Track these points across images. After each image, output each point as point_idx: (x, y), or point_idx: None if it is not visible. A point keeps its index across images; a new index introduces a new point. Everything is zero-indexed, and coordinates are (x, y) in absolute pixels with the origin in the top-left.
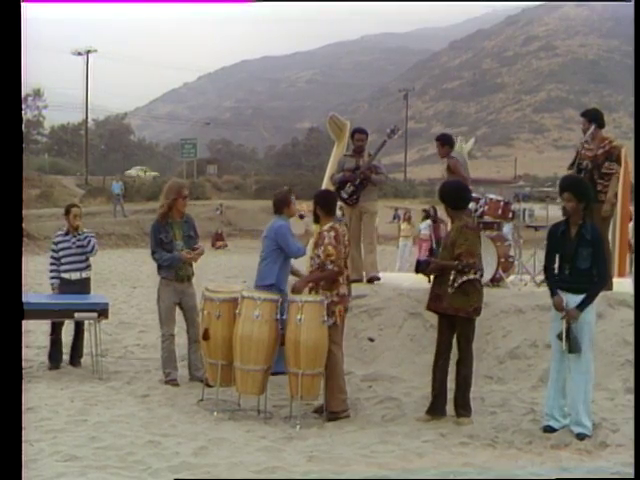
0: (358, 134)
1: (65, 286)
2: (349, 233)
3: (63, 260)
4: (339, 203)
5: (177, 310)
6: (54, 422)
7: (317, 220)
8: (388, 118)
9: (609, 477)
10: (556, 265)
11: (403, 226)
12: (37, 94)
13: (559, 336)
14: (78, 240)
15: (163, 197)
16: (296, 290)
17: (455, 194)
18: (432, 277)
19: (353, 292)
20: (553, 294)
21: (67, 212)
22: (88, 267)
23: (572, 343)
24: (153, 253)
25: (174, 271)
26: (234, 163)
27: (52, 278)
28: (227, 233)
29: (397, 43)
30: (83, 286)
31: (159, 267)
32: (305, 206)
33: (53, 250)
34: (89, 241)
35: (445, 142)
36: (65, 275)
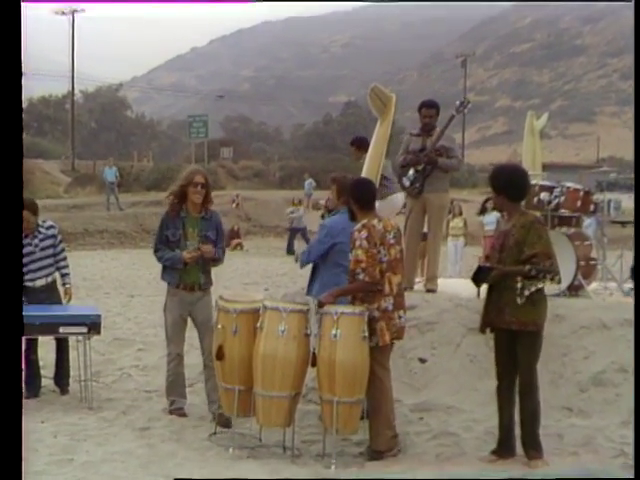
0: (426, 109)
1: (28, 296)
2: (407, 229)
3: (26, 268)
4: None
5: (190, 324)
6: (32, 463)
7: (353, 217)
8: (442, 90)
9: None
10: None
11: (452, 222)
12: None
13: None
14: (41, 240)
15: (174, 184)
16: (321, 304)
17: (514, 181)
18: (483, 289)
19: None
20: None
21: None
22: (55, 270)
23: None
24: (155, 251)
25: (177, 276)
26: (254, 145)
27: None
28: (245, 230)
29: None
30: (51, 292)
31: (163, 270)
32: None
33: None
34: (57, 240)
35: (361, 146)
36: (29, 284)
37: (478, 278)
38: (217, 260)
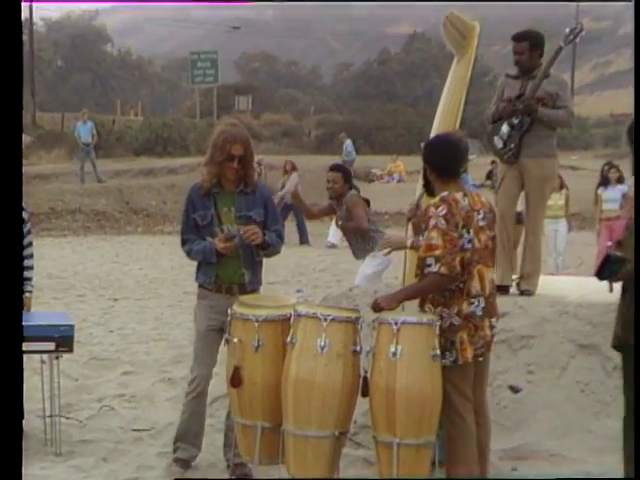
0: (515, 43)
1: None
2: (499, 209)
3: None
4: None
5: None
6: None
7: (429, 189)
8: (545, 15)
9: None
10: None
11: (551, 200)
12: None
13: None
14: None
15: (208, 154)
16: (379, 309)
17: None
18: (618, 286)
19: None
20: None
21: None
22: None
23: None
24: (181, 244)
25: (213, 273)
26: (281, 93)
27: None
28: None
29: None
30: None
31: (198, 268)
32: (401, 164)
33: None
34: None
35: (347, 177)
36: None
37: (604, 272)
38: (268, 247)
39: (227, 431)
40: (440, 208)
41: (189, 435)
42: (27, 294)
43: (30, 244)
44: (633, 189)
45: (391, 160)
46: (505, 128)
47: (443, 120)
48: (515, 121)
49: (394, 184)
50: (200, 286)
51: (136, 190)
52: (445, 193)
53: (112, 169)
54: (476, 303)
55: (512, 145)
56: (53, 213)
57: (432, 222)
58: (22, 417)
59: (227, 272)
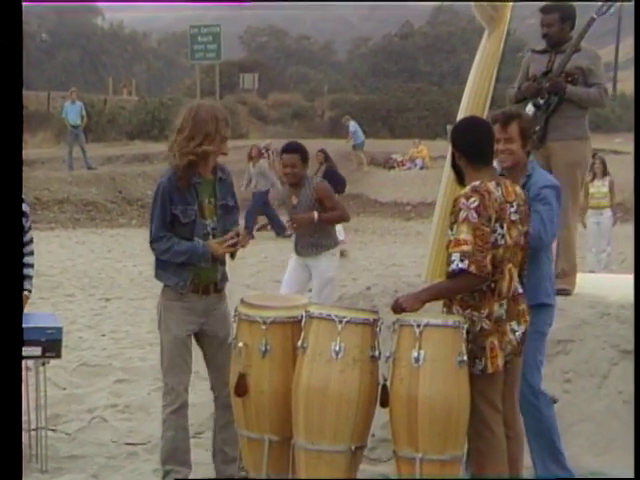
0: (543, 15)
1: None
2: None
3: None
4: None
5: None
6: None
7: (460, 178)
8: None
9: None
10: None
11: (592, 187)
12: None
13: None
14: None
15: (183, 133)
16: (400, 310)
17: None
18: None
19: None
20: None
21: None
22: None
23: None
24: (153, 241)
25: (190, 274)
26: (291, 70)
27: None
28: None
29: None
30: None
31: (158, 265)
32: (425, 149)
33: None
34: (25, 225)
35: (305, 157)
36: None
37: None
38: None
39: (221, 446)
40: (472, 199)
41: (178, 454)
42: (26, 292)
43: (31, 240)
44: None
45: (413, 145)
46: (529, 109)
47: (472, 99)
48: (541, 101)
49: (416, 171)
50: (168, 287)
51: (130, 178)
52: (477, 182)
53: (103, 154)
54: (502, 306)
55: (537, 127)
56: (39, 203)
57: (462, 215)
58: (21, 430)
59: (206, 271)
